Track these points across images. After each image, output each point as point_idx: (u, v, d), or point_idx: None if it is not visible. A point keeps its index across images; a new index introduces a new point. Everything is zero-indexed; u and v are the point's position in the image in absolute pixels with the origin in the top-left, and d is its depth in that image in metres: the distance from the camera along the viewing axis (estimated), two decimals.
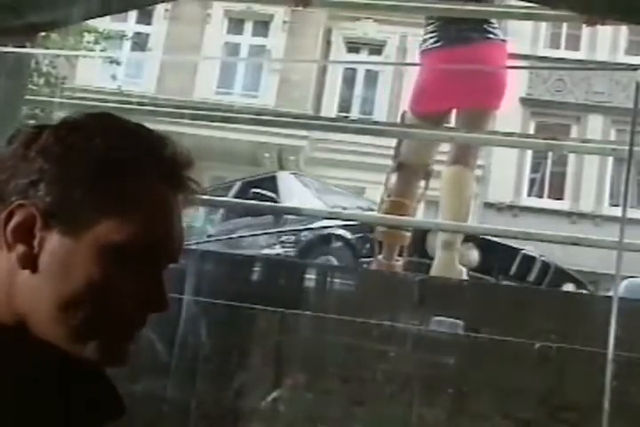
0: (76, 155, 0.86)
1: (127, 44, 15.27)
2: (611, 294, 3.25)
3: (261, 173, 7.69)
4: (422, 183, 4.33)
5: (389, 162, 4.52)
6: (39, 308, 0.86)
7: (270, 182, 6.37)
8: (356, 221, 4.95)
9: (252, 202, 6.38)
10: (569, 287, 5.16)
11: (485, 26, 3.99)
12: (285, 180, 6.52)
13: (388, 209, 4.18)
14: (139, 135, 0.89)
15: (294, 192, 6.14)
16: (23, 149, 0.87)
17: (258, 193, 5.87)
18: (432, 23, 4.06)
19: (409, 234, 4.27)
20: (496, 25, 4.07)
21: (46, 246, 0.85)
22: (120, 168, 0.87)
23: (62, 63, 11.93)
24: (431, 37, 4.05)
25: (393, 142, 4.65)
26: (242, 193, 6.52)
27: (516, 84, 15.56)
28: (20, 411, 0.84)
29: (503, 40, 4.09)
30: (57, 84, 11.76)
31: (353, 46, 16.72)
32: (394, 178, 4.28)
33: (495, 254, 4.66)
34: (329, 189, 7.12)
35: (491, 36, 3.99)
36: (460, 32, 3.96)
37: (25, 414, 0.84)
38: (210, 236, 6.57)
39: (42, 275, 0.85)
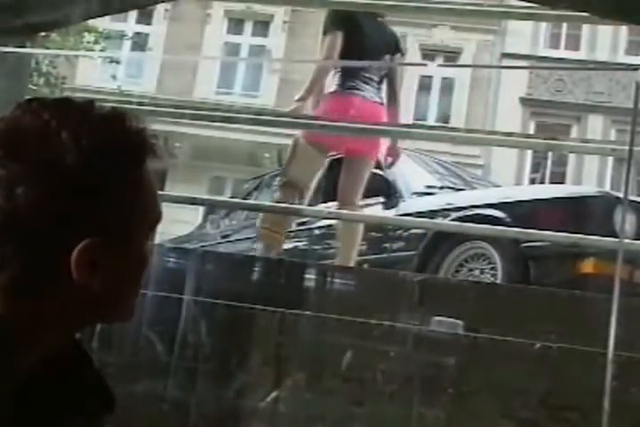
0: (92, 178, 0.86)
1: (127, 44, 15.28)
2: None
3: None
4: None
5: None
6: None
7: None
8: (355, 221, 4.94)
9: (252, 202, 6.32)
10: None
11: (378, 87, 4.57)
12: None
13: (274, 218, 4.62)
14: (110, 126, 0.89)
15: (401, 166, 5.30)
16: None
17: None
18: (339, 71, 4.57)
19: (283, 239, 4.72)
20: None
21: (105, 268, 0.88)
22: (124, 165, 0.88)
23: (62, 63, 11.93)
24: (338, 82, 4.56)
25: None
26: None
27: (517, 84, 15.62)
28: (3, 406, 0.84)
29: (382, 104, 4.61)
30: (57, 84, 11.78)
31: None
32: (278, 193, 4.77)
33: None
34: (429, 161, 6.23)
35: (378, 98, 4.53)
36: (360, 85, 4.49)
37: (9, 410, 0.84)
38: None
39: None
